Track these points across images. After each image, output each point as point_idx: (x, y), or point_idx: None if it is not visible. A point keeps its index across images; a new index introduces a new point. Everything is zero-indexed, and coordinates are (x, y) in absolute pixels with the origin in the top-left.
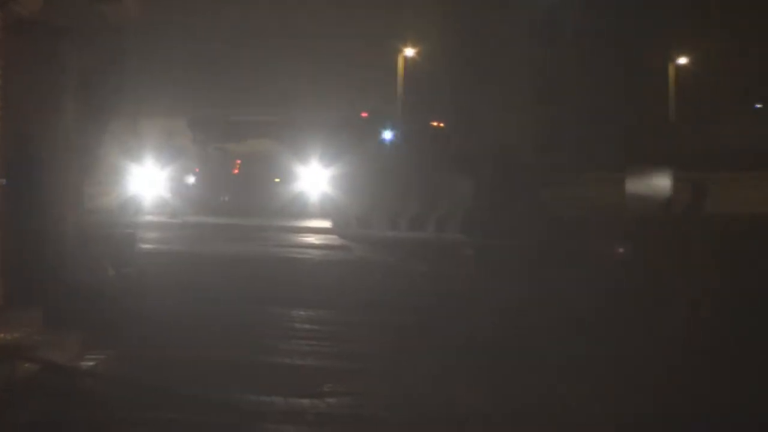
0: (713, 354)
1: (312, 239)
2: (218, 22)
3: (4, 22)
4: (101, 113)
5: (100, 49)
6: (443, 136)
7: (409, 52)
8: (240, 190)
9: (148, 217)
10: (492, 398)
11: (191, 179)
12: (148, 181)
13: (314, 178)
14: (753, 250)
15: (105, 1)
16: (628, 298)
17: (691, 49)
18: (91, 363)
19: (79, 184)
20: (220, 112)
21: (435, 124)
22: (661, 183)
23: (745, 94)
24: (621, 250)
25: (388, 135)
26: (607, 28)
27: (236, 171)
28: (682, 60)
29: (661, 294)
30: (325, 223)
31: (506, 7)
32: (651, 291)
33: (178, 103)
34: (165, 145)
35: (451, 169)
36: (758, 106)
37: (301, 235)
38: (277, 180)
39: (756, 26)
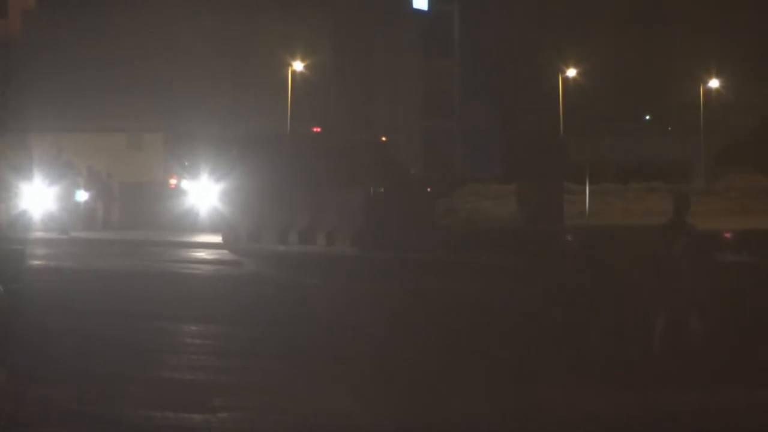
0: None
1: (203, 254)
2: (115, 38)
3: None
4: None
5: None
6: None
7: (298, 66)
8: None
9: (38, 234)
10: (373, 410)
11: (82, 195)
12: (37, 197)
13: (205, 192)
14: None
15: None
16: (506, 308)
17: (581, 62)
18: None
19: None
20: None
21: (381, 137)
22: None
23: (635, 106)
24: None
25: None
26: (498, 41)
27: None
28: (571, 72)
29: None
30: (216, 238)
31: (397, 21)
32: (529, 302)
33: (69, 118)
34: (54, 161)
35: (342, 181)
36: (647, 117)
37: (191, 250)
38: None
39: (646, 39)
